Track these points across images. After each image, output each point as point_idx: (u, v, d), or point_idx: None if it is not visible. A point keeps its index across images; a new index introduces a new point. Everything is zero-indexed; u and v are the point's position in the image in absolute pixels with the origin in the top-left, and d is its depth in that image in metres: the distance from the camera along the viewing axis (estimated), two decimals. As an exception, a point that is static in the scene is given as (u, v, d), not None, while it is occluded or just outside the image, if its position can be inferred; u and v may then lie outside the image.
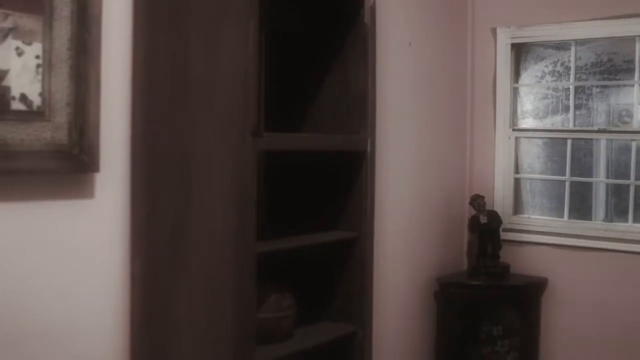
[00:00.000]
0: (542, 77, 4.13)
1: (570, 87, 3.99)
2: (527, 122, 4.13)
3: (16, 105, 1.99)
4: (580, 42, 3.93)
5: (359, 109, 2.52)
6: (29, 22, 2.00)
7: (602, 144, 3.98)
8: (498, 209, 3.96)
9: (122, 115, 2.28)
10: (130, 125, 2.29)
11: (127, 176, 2.29)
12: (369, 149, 2.49)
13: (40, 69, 2.03)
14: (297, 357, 2.42)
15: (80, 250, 2.21)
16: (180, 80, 2.16)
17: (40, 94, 2.03)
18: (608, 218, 3.96)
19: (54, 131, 2.07)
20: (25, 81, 2.01)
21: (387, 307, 2.82)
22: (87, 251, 2.23)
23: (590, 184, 4.02)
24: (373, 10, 2.52)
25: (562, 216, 4.02)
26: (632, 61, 3.79)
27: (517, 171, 4.09)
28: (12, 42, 1.97)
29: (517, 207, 4.11)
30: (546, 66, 4.11)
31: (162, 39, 2.22)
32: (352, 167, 2.51)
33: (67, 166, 2.10)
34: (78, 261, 2.20)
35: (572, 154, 3.99)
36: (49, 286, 2.13)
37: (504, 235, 3.94)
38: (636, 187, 3.79)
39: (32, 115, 2.02)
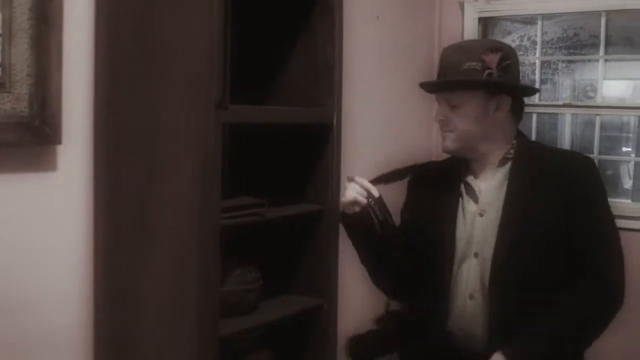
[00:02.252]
0: (509, 52, 4.15)
1: (537, 61, 4.01)
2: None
3: (-25, 76, 1.96)
4: (547, 17, 3.95)
5: (325, 81, 2.51)
6: (-13, -10, 1.96)
7: (567, 119, 4.02)
8: (464, 182, 3.98)
9: (84, 86, 2.24)
10: (93, 96, 2.26)
11: (90, 148, 2.27)
12: (335, 122, 2.48)
13: (0, 39, 1.99)
14: (262, 329, 2.43)
15: (42, 224, 2.18)
16: (144, 51, 2.14)
17: (0, 65, 2.00)
18: (572, 191, 4.01)
19: (14, 103, 2.03)
20: (-16, 51, 1.97)
21: (352, 279, 2.83)
22: (50, 224, 2.20)
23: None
24: (340, -19, 2.51)
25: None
26: (597, 36, 3.82)
27: None
28: (-31, 11, 1.94)
29: (483, 180, 4.14)
30: (513, 40, 4.13)
31: (125, 8, 2.18)
32: (318, 140, 2.50)
33: (29, 138, 2.07)
34: (40, 234, 2.18)
35: (537, 128, 4.02)
36: (11, 259, 2.11)
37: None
38: (600, 161, 3.83)
39: (-8, 86, 1.99)
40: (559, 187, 2.04)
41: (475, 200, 2.18)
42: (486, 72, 2.04)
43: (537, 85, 3.99)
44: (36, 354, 2.19)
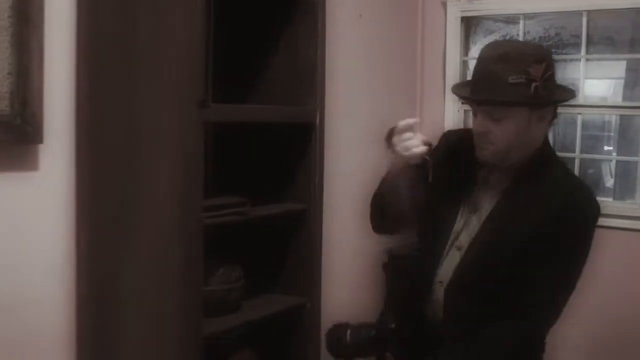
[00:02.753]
0: (492, 51, 4.16)
1: (519, 60, 4.02)
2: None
3: (-45, 75, 1.94)
4: (529, 16, 3.97)
5: (308, 80, 2.51)
6: (-33, -12, 1.95)
7: (549, 118, 4.04)
8: (447, 181, 3.99)
9: (66, 85, 2.23)
10: (75, 95, 2.25)
11: (72, 147, 2.25)
12: (317, 121, 2.49)
13: (-20, 38, 1.98)
14: (246, 328, 2.43)
15: (24, 223, 2.17)
16: (125, 50, 2.13)
17: (-20, 63, 1.99)
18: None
19: (-5, 101, 2.02)
20: (-36, 50, 1.96)
21: (336, 279, 2.84)
22: (32, 224, 2.19)
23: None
24: (323, -20, 2.51)
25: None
26: (579, 36, 3.84)
27: None
28: (-51, 9, 1.92)
29: (466, 179, 4.15)
30: (495, 40, 4.14)
31: (106, 7, 2.18)
32: (302, 139, 2.50)
33: (10, 137, 2.06)
34: (23, 234, 2.17)
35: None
36: (-9, 260, 2.10)
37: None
38: (581, 160, 3.86)
39: (-28, 85, 1.98)
40: (538, 219, 2.01)
41: (475, 198, 2.17)
42: (533, 85, 1.96)
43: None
44: (17, 354, 2.17)
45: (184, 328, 2.08)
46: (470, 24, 4.13)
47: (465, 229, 2.15)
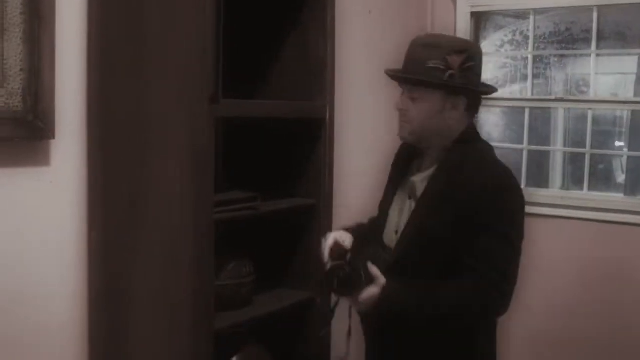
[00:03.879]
0: (501, 46, 4.16)
1: (529, 56, 4.02)
2: (486, 91, 4.15)
3: (-32, 71, 1.96)
4: (539, 12, 3.96)
5: (318, 76, 2.52)
6: (-21, -15, 1.96)
7: (560, 113, 4.03)
8: (457, 177, 3.99)
9: (77, 80, 2.25)
10: (86, 91, 2.26)
11: (83, 143, 2.27)
12: (327, 116, 2.49)
13: (-8, 34, 1.99)
14: (256, 323, 2.44)
15: (36, 219, 2.19)
16: (136, 46, 2.14)
17: (-7, 60, 2.00)
18: (565, 186, 4.02)
19: (7, 97, 2.03)
20: (-23, 46, 1.97)
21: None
22: (44, 219, 2.21)
23: (547, 153, 4.08)
24: (332, -24, 2.51)
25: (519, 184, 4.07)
26: (589, 31, 3.83)
27: None
28: (-38, 6, 1.94)
29: (476, 175, 4.15)
30: (505, 35, 4.14)
31: (117, 3, 2.19)
32: (311, 134, 2.51)
33: (22, 133, 2.07)
34: (35, 229, 2.19)
35: (529, 122, 4.03)
36: (5, 254, 2.11)
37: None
38: (592, 155, 3.85)
39: (-15, 81, 1.99)
40: (459, 205, 2.06)
41: (412, 184, 2.24)
42: (448, 72, 2.10)
43: (529, 80, 4.01)
44: (30, 349, 2.19)
45: (196, 322, 2.09)
46: (480, 20, 4.12)
47: (402, 214, 2.23)
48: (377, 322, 2.15)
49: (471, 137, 2.20)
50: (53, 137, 2.15)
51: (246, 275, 2.38)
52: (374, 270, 2.06)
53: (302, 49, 2.54)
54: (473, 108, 2.20)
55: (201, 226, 2.06)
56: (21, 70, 2.06)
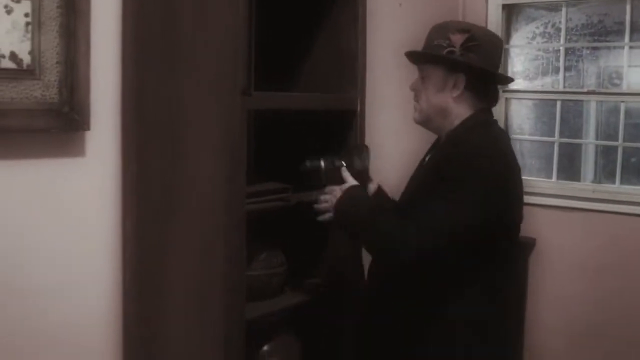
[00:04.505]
0: (533, 39, 4.14)
1: (561, 48, 4.00)
2: (517, 84, 4.14)
3: (5, 64, 1.99)
4: (571, 3, 3.93)
5: (349, 68, 2.52)
6: (17, -21, 2.00)
7: (592, 106, 4.00)
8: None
9: (112, 73, 2.28)
10: (121, 83, 2.29)
11: (117, 134, 2.30)
12: (359, 108, 2.50)
13: (30, 27, 2.03)
14: (288, 313, 2.46)
15: (71, 209, 2.22)
16: (170, 38, 2.16)
17: (30, 52, 2.03)
18: (596, 179, 4.00)
19: (44, 89, 2.07)
20: (15, 39, 2.00)
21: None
22: (79, 210, 2.24)
23: (579, 146, 4.05)
24: (363, -31, 2.51)
25: (550, 177, 4.05)
26: (622, 23, 3.80)
27: (506, 132, 4.11)
28: (0, 0, 1.97)
29: (507, 168, 4.13)
30: (537, 27, 4.11)
31: (151, -3, 2.21)
32: (342, 127, 2.52)
33: (58, 124, 2.11)
34: (69, 220, 2.22)
35: (561, 115, 4.01)
36: (40, 245, 2.15)
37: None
38: (624, 148, 3.82)
39: (22, 73, 2.02)
40: (434, 177, 2.08)
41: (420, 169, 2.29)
42: (448, 49, 2.14)
43: (560, 73, 3.98)
44: (64, 337, 2.23)
45: (227, 312, 2.11)
46: (511, 12, 4.10)
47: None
48: (337, 221, 2.17)
49: (478, 122, 2.18)
50: (88, 128, 2.18)
51: (277, 266, 2.40)
52: (345, 174, 2.18)
53: (333, 41, 2.55)
54: (482, 93, 2.18)
55: (233, 217, 2.08)
56: (57, 62, 2.09)
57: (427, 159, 2.29)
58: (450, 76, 2.15)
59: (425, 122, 2.25)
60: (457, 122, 2.18)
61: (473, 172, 2.01)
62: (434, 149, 2.30)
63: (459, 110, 2.18)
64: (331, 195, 2.17)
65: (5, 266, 2.07)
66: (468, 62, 2.13)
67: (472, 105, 2.18)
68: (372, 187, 2.42)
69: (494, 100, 2.27)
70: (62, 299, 2.21)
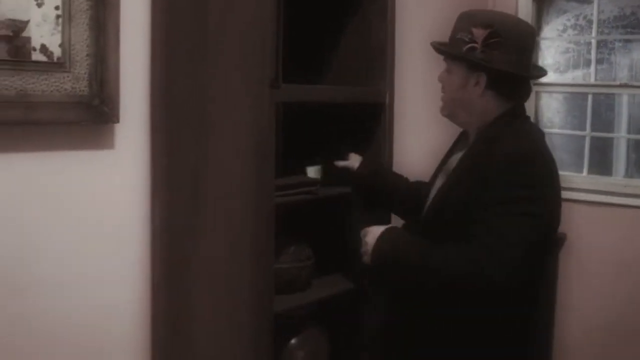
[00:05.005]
0: (564, 31, 4.09)
1: (592, 41, 3.94)
2: (547, 77, 4.07)
3: (36, 56, 2.00)
4: (603, -5, 3.88)
5: (377, 61, 2.51)
6: (48, -28, 2.01)
7: (624, 99, 3.94)
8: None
9: (141, 65, 2.29)
10: (150, 75, 2.30)
11: (146, 126, 2.31)
12: (387, 101, 2.48)
13: (60, 20, 2.04)
14: (315, 307, 2.45)
15: (100, 201, 2.24)
16: (199, 31, 2.17)
17: (60, 45, 2.05)
18: (628, 174, 3.95)
19: (74, 82, 2.08)
20: (46, 32, 2.02)
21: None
22: (108, 202, 2.26)
23: (610, 140, 4.00)
24: (392, -40, 2.50)
25: (581, 171, 4.01)
26: (656, 15, 3.74)
27: (540, 129, 4.06)
28: (32, -7, 1.98)
29: (537, 162, 4.09)
30: (568, 19, 4.06)
31: (180, -10, 2.22)
32: (371, 119, 2.51)
33: (88, 117, 2.12)
34: (99, 211, 2.24)
35: (592, 108, 3.96)
36: (70, 236, 2.17)
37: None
38: (657, 142, 3.77)
39: (53, 66, 2.04)
40: (476, 177, 1.96)
41: (450, 163, 2.21)
42: (469, 45, 2.06)
43: (592, 66, 3.93)
44: (93, 329, 2.25)
45: (256, 305, 2.11)
46: (542, 4, 4.06)
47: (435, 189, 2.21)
48: (377, 266, 2.09)
49: (511, 117, 2.10)
50: (117, 121, 2.19)
51: (305, 259, 2.40)
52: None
53: (362, 33, 2.54)
54: (501, 88, 2.08)
55: (262, 210, 2.08)
56: (87, 55, 2.10)
57: (454, 156, 2.21)
58: (472, 74, 2.07)
59: (450, 116, 2.20)
60: (486, 119, 2.10)
61: (529, 174, 1.93)
62: (463, 146, 2.22)
63: (486, 108, 2.10)
64: (365, 240, 2.10)
65: (35, 258, 2.09)
66: (488, 62, 2.04)
67: (500, 102, 2.09)
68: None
69: (525, 95, 2.18)
70: (90, 289, 2.23)
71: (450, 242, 1.92)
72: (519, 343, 2.08)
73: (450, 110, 2.18)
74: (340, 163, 2.50)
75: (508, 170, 1.91)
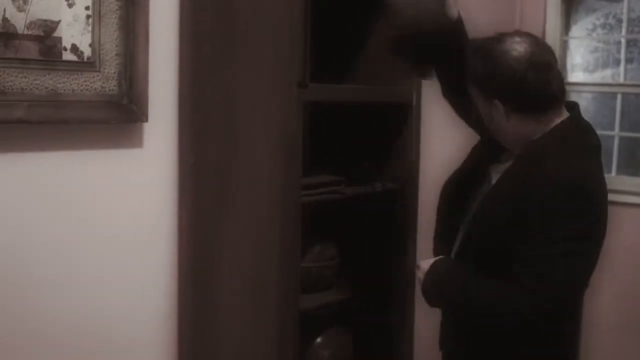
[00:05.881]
0: (593, 30, 4.05)
1: (622, 40, 3.90)
2: (576, 76, 4.06)
3: (67, 56, 2.03)
4: (633, -6, 3.84)
5: (404, 61, 2.50)
6: (78, -27, 2.03)
7: (654, 99, 3.91)
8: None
9: (170, 65, 2.30)
10: (178, 75, 2.32)
11: (174, 126, 2.33)
12: (414, 101, 2.48)
13: (91, 20, 2.06)
14: (340, 306, 2.46)
15: (128, 199, 2.26)
16: (227, 31, 2.18)
17: (91, 45, 2.07)
18: (658, 175, 3.91)
19: (104, 81, 2.10)
20: (76, 32, 2.04)
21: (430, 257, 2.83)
22: (136, 200, 2.28)
23: None
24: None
25: (610, 172, 3.97)
26: (686, 14, 3.69)
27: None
28: (62, -6, 2.01)
29: (564, 162, 4.06)
30: (597, 19, 4.02)
31: (209, -10, 2.23)
32: (397, 119, 2.51)
33: (117, 116, 2.14)
34: (127, 209, 2.26)
35: (621, 108, 3.92)
36: (99, 233, 2.19)
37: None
38: (687, 143, 3.73)
39: (83, 65, 2.06)
40: (518, 201, 1.87)
41: (488, 173, 2.14)
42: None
43: (621, 65, 3.89)
44: (118, 323, 2.28)
45: (281, 303, 2.13)
46: (571, 2, 4.02)
47: (474, 200, 2.11)
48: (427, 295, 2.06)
49: (560, 134, 1.96)
50: (146, 120, 2.21)
51: (330, 259, 2.41)
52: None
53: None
54: (524, 111, 1.95)
55: (289, 209, 2.09)
56: (117, 55, 2.12)
57: (499, 165, 2.07)
58: (490, 102, 1.96)
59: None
60: (530, 138, 1.97)
61: (566, 211, 1.83)
62: (503, 156, 2.09)
63: (521, 131, 1.97)
64: (418, 276, 2.09)
65: (63, 256, 2.12)
66: (497, 92, 1.94)
67: (531, 121, 1.95)
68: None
69: (555, 104, 1.99)
70: (117, 284, 2.25)
71: (493, 280, 1.89)
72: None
73: (493, 135, 2.06)
74: None
75: (550, 201, 1.82)
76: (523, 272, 1.82)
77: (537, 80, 1.92)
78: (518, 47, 1.93)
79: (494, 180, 2.06)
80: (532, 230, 1.82)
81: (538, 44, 1.97)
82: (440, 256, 2.07)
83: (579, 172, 1.86)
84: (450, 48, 2.17)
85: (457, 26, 2.21)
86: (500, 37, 1.99)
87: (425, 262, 2.07)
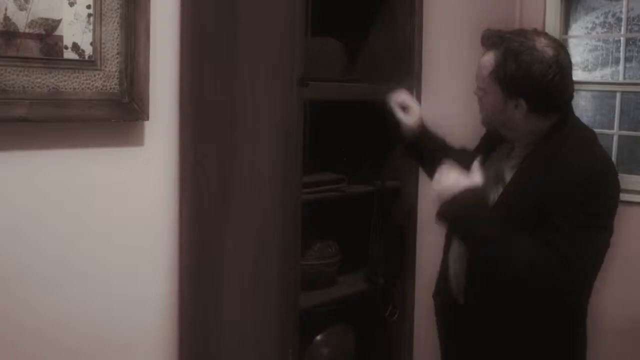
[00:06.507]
0: (593, 29, 4.06)
1: (621, 39, 3.91)
2: (575, 75, 4.06)
3: (68, 55, 2.04)
4: (633, -7, 3.84)
5: (405, 59, 2.51)
6: (80, -29, 2.04)
7: (653, 98, 3.91)
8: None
9: (170, 64, 2.31)
10: (179, 73, 2.33)
11: (175, 124, 2.34)
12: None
13: (92, 19, 2.07)
14: (341, 303, 2.47)
15: (129, 197, 2.27)
16: (227, 30, 2.18)
17: (92, 44, 2.08)
18: (657, 173, 3.91)
19: (105, 80, 2.11)
20: (77, 31, 2.05)
21: (430, 255, 2.83)
22: (137, 197, 2.29)
23: (639, 138, 3.96)
24: (419, -42, 2.49)
25: (609, 170, 3.97)
26: (686, 12, 3.70)
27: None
28: (64, -8, 2.01)
29: (564, 160, 4.06)
30: (597, 17, 4.03)
31: (209, -11, 2.23)
32: (398, 117, 2.50)
33: (118, 114, 2.15)
34: (128, 206, 2.27)
35: (621, 107, 3.93)
36: (99, 230, 2.20)
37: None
38: (686, 141, 3.73)
39: (84, 64, 2.07)
40: (549, 189, 1.94)
41: (499, 168, 2.16)
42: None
43: (621, 64, 3.90)
44: (120, 324, 2.28)
45: (282, 301, 2.13)
46: (571, 1, 4.02)
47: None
48: (441, 216, 2.05)
49: (566, 125, 2.06)
50: (147, 118, 2.22)
51: (331, 256, 2.41)
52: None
53: (389, 32, 2.54)
54: (543, 108, 2.03)
55: (289, 207, 2.09)
56: (118, 53, 2.13)
57: (502, 164, 2.14)
58: (510, 99, 2.01)
59: (493, 130, 2.18)
60: (537, 134, 2.05)
61: (605, 189, 2.03)
62: (506, 152, 2.16)
63: (534, 127, 2.05)
64: (451, 181, 2.03)
65: (63, 253, 2.12)
66: (526, 88, 2.00)
67: (547, 118, 2.04)
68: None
69: (570, 102, 2.11)
70: (118, 281, 2.26)
71: (526, 234, 1.94)
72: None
73: (493, 126, 2.13)
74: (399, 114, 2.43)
75: (584, 185, 1.95)
76: (559, 240, 1.91)
77: (562, 84, 2.01)
78: (549, 51, 2.00)
79: (507, 177, 2.11)
80: (570, 211, 1.93)
81: (562, 47, 2.07)
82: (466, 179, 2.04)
83: (602, 159, 2.06)
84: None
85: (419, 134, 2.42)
86: (529, 38, 2.04)
87: (457, 175, 2.03)
